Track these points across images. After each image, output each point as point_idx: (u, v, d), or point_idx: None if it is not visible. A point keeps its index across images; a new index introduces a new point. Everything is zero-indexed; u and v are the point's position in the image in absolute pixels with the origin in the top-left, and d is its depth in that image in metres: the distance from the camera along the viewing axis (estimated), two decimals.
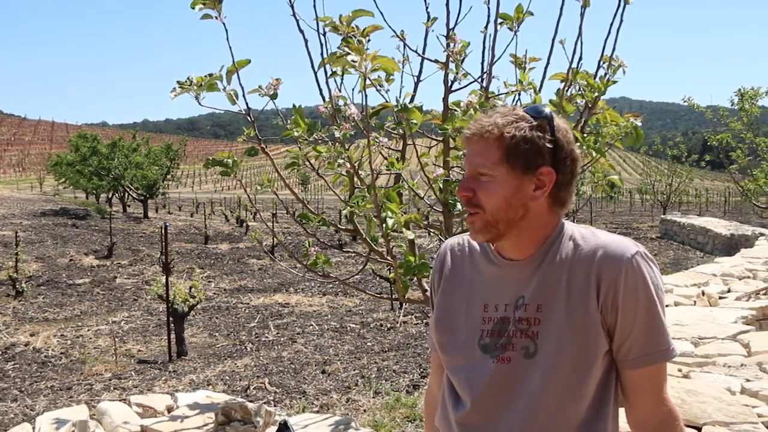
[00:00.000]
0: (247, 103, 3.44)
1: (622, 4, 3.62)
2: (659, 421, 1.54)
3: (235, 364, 7.37)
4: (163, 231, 9.06)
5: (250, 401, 5.08)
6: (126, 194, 32.06)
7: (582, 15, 3.59)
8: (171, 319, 7.81)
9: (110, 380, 6.81)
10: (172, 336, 7.78)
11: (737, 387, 4.17)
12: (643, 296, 1.48)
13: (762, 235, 14.89)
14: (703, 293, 7.55)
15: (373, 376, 6.63)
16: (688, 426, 3.55)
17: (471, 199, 1.53)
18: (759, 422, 3.59)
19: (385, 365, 7.02)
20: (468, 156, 1.55)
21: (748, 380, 4.29)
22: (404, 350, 7.67)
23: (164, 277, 7.97)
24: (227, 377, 6.83)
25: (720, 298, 7.42)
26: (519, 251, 1.57)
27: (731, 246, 15.45)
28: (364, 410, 5.71)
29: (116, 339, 8.36)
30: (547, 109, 1.52)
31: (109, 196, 34.36)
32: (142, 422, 4.54)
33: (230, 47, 3.29)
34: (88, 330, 9.17)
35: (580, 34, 3.64)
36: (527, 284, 1.55)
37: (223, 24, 3.29)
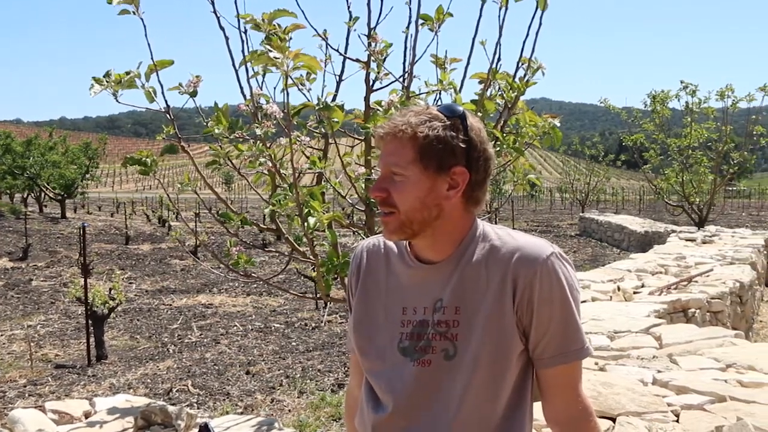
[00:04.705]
0: (166, 101, 3.38)
1: (539, 8, 3.70)
2: (574, 417, 1.57)
3: (157, 366, 7.22)
4: (81, 231, 8.80)
5: (173, 404, 4.99)
6: (42, 194, 31.08)
7: (501, 17, 3.66)
8: (90, 322, 7.59)
9: (25, 387, 6.57)
10: (92, 339, 7.57)
11: (649, 378, 4.33)
12: (557, 297, 1.50)
13: (673, 232, 15.47)
14: (619, 288, 7.81)
15: (298, 375, 6.61)
16: (604, 417, 3.67)
17: (385, 200, 1.52)
18: (668, 411, 3.74)
19: (309, 365, 7.01)
20: (382, 155, 1.54)
21: (659, 371, 4.46)
22: (329, 349, 7.67)
23: (83, 278, 7.74)
24: (149, 380, 6.69)
25: (634, 293, 7.68)
26: (435, 252, 1.57)
27: (646, 243, 16.01)
28: (289, 410, 5.69)
29: (32, 344, 8.06)
30: (461, 108, 1.51)
31: (24, 195, 33.23)
32: (58, 429, 4.40)
33: (149, 44, 3.23)
34: (2, 335, 8.82)
35: (499, 35, 3.71)
36: (445, 287, 1.55)
37: (142, 20, 3.23)
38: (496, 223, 1.71)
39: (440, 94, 3.69)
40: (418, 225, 1.51)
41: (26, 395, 6.29)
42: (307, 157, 3.71)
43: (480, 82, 3.69)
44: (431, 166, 1.48)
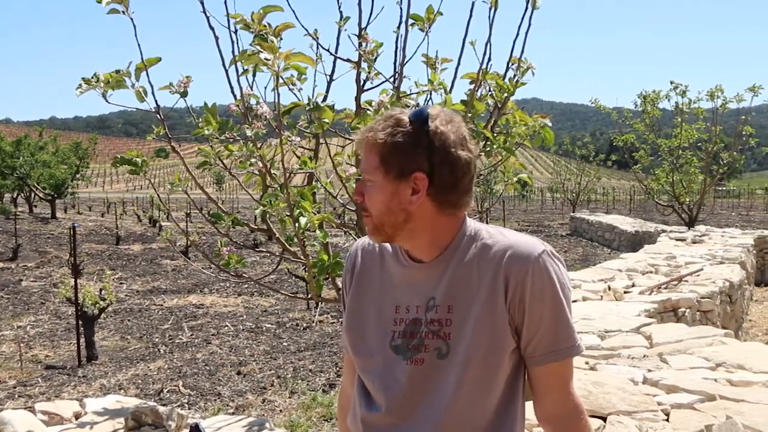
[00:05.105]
0: (156, 101, 3.38)
1: (529, 8, 3.72)
2: (565, 415, 1.57)
3: (148, 367, 7.20)
4: (71, 232, 8.77)
5: (164, 405, 4.98)
6: (32, 194, 30.95)
7: (491, 17, 3.67)
8: (80, 322, 7.56)
9: (15, 388, 6.54)
10: (82, 340, 7.54)
11: (640, 377, 4.34)
12: (549, 295, 1.50)
13: (664, 231, 15.52)
14: (609, 288, 7.83)
15: (289, 375, 6.60)
16: (594, 416, 3.68)
17: (362, 203, 1.57)
18: (659, 410, 3.76)
19: (301, 365, 7.00)
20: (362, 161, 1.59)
21: (649, 370, 4.48)
22: (320, 349, 7.67)
23: (73, 279, 7.70)
24: (140, 381, 6.67)
25: (625, 292, 7.70)
26: (423, 252, 1.58)
27: (636, 242, 16.06)
28: (280, 410, 5.68)
29: (22, 344, 8.02)
30: (426, 112, 1.49)
31: (14, 195, 33.10)
32: (48, 430, 4.38)
33: (139, 44, 3.23)
34: None
35: (489, 35, 3.72)
36: (437, 285, 1.56)
37: (131, 19, 3.22)
38: (487, 223, 1.71)
39: (431, 94, 3.69)
40: (390, 228, 1.53)
41: (16, 396, 6.26)
42: (298, 157, 3.71)
43: (471, 82, 3.70)
44: (392, 171, 1.49)
